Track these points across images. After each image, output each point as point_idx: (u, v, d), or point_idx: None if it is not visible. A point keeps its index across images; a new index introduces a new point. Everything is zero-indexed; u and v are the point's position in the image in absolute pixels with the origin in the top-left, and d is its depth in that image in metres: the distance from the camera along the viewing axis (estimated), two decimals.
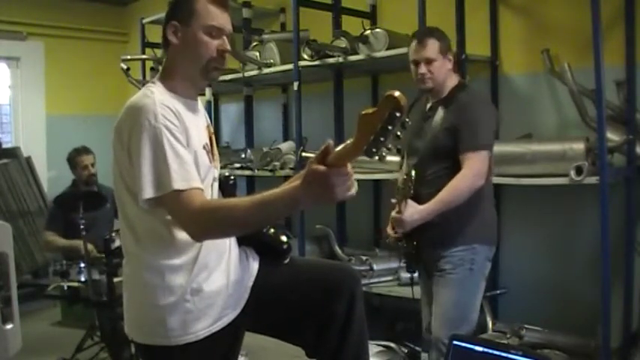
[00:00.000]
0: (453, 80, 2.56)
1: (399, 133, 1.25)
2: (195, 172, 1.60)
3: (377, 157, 1.27)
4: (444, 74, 2.51)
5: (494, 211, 2.62)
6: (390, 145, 1.25)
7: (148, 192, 1.55)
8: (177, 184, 1.54)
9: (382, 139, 1.24)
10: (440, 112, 2.51)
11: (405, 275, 2.80)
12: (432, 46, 2.48)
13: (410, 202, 2.41)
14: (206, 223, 1.55)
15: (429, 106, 2.59)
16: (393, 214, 2.44)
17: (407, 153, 2.64)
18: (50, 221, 4.04)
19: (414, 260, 2.60)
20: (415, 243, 2.52)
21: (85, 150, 4.13)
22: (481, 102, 2.55)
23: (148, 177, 1.55)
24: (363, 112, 1.26)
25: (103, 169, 4.03)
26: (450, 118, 2.45)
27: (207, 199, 1.64)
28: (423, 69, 2.49)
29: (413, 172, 2.43)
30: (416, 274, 2.70)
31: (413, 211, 2.39)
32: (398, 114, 1.22)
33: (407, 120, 1.24)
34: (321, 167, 1.35)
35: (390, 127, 1.23)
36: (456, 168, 2.41)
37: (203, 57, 1.68)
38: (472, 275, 2.46)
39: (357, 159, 1.34)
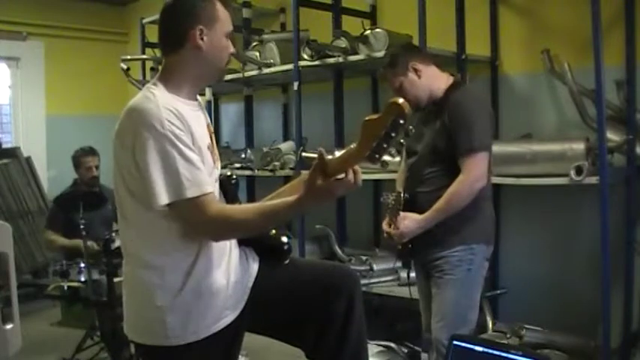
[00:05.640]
0: (441, 81, 2.53)
1: (402, 140, 1.25)
2: (206, 175, 1.62)
3: (379, 164, 1.27)
4: (417, 87, 2.50)
5: (492, 210, 2.60)
6: (393, 152, 1.26)
7: (163, 198, 1.57)
8: (190, 191, 1.56)
9: (385, 145, 1.24)
10: (437, 115, 2.49)
11: (405, 275, 2.81)
12: (390, 76, 2.54)
13: (405, 213, 2.44)
14: (221, 229, 1.64)
15: (427, 110, 2.58)
16: (389, 229, 2.48)
17: (406, 155, 2.65)
18: (50, 220, 4.03)
19: (407, 262, 2.65)
20: (410, 246, 2.52)
21: (91, 151, 4.07)
22: (474, 101, 2.50)
23: (160, 184, 1.56)
24: (367, 118, 1.26)
25: (103, 169, 4.03)
26: (445, 120, 2.44)
27: (222, 206, 1.68)
28: (399, 97, 2.53)
29: (402, 194, 2.50)
30: (413, 274, 2.72)
31: (409, 223, 2.43)
32: (402, 121, 1.22)
33: (411, 127, 1.24)
34: (322, 183, 1.43)
35: (393, 134, 1.23)
36: (453, 168, 2.40)
37: (223, 61, 1.77)
38: (471, 275, 2.46)
39: (359, 164, 1.34)
